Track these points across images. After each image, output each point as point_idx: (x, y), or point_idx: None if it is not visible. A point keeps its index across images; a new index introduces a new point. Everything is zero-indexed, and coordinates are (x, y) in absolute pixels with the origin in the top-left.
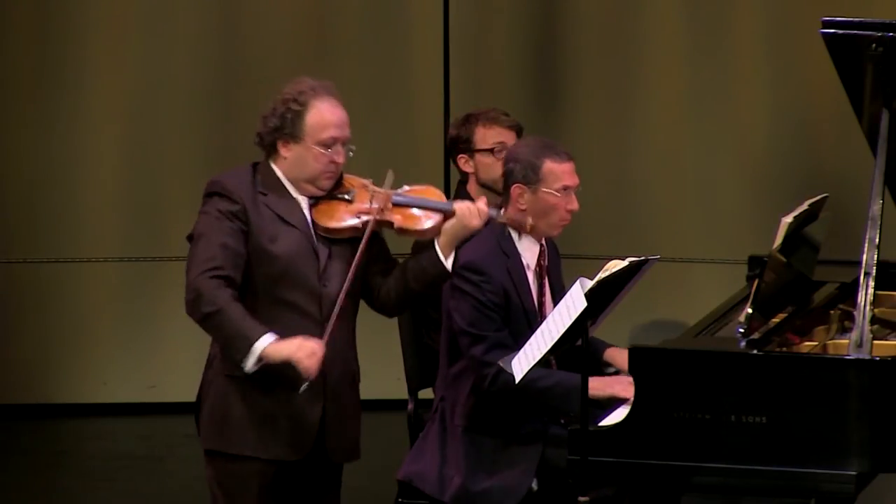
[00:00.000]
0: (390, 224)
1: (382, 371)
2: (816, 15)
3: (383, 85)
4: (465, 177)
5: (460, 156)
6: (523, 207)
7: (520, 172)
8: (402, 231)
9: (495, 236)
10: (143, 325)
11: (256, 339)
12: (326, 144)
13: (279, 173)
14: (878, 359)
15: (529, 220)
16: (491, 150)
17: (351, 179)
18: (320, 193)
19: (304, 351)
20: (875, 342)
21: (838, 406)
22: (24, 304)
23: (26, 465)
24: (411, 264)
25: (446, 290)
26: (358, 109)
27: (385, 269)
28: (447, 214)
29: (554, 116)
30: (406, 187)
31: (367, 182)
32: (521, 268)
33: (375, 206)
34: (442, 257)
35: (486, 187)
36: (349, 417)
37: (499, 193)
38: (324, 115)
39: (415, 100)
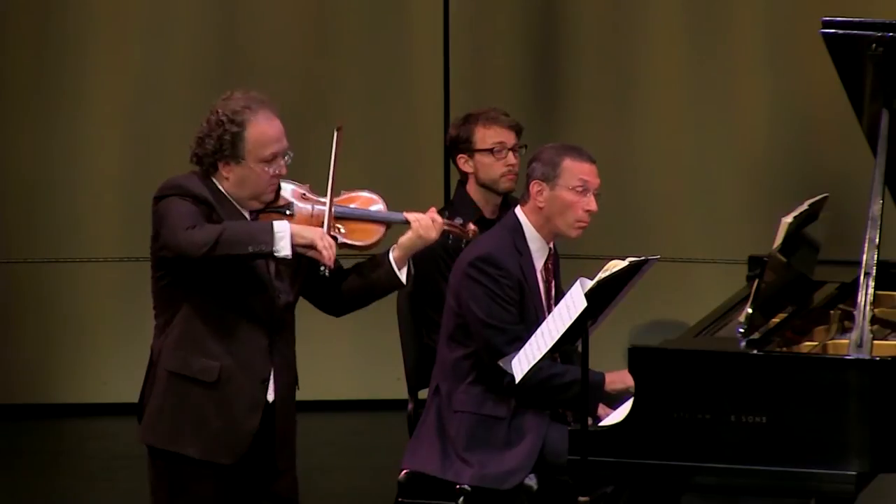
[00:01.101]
0: (334, 239)
1: (382, 371)
2: (816, 15)
3: (383, 85)
4: (464, 177)
5: (460, 156)
6: (541, 205)
7: (539, 170)
8: (347, 247)
9: (510, 233)
10: (143, 325)
11: (272, 224)
12: (269, 161)
13: (222, 189)
14: (878, 359)
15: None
16: (490, 150)
17: (288, 189)
18: (261, 206)
19: (326, 241)
20: (875, 342)
21: (838, 406)
22: (24, 304)
23: (26, 465)
24: (363, 274)
25: (454, 278)
26: (358, 110)
27: (334, 274)
28: (391, 226)
29: (554, 117)
30: (345, 193)
31: (304, 190)
32: (531, 267)
33: (317, 217)
34: (396, 269)
35: (485, 187)
36: (292, 423)
37: (498, 193)
38: (264, 132)
39: (415, 100)
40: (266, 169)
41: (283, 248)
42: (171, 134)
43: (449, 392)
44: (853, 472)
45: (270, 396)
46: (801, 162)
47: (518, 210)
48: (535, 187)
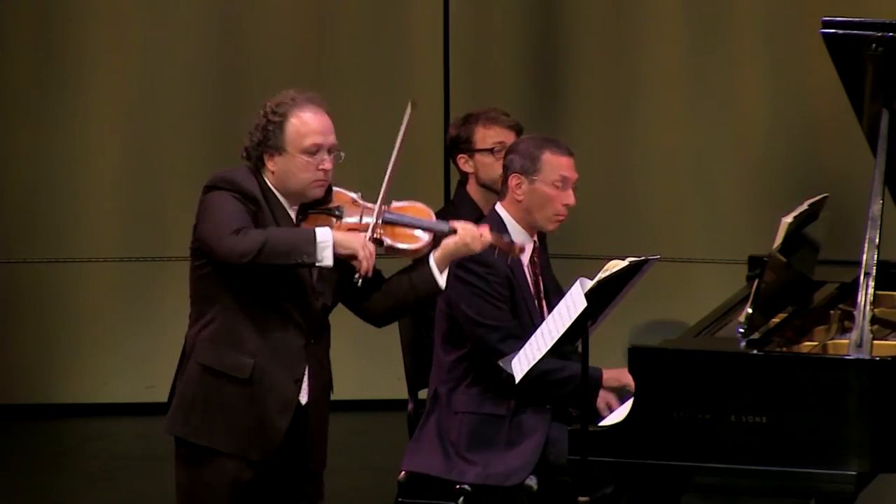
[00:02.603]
0: (380, 243)
1: (382, 371)
2: (816, 15)
3: (383, 85)
4: (464, 177)
5: (460, 156)
6: (520, 198)
7: (518, 163)
8: (392, 250)
9: (495, 230)
10: (142, 325)
11: (315, 234)
12: (310, 152)
13: (269, 184)
14: (878, 359)
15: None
16: (491, 150)
17: (340, 194)
18: (306, 201)
19: (367, 251)
20: (875, 342)
21: (838, 406)
22: (23, 305)
23: (26, 465)
24: (403, 281)
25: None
26: (357, 110)
27: (373, 281)
28: (439, 235)
29: (554, 117)
30: (396, 203)
31: (356, 196)
32: (519, 264)
33: (365, 225)
34: (437, 274)
35: (485, 187)
36: (324, 426)
37: (497, 193)
38: (304, 123)
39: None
40: (308, 160)
41: (326, 259)
42: (171, 134)
43: (448, 394)
44: (853, 472)
45: (304, 398)
46: (801, 162)
47: (498, 205)
48: (513, 180)
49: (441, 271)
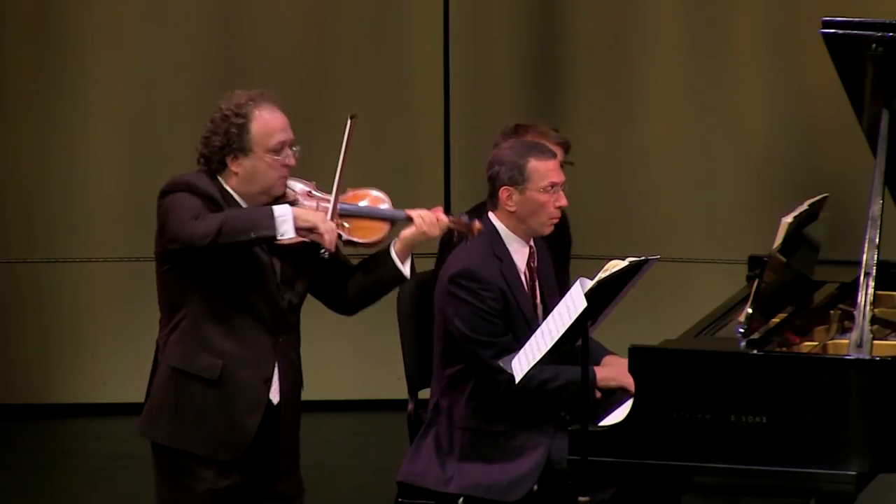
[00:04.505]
0: (339, 236)
1: (382, 371)
2: (816, 15)
3: (383, 86)
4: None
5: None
6: (512, 209)
7: (506, 174)
8: (350, 244)
9: (488, 240)
10: (142, 325)
11: (272, 209)
12: (276, 150)
13: (228, 188)
14: (878, 359)
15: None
16: None
17: (294, 185)
18: (269, 201)
19: (328, 225)
20: (875, 342)
21: (838, 406)
22: (23, 304)
23: (26, 465)
24: (368, 270)
25: (439, 295)
26: (357, 110)
27: (339, 270)
28: (396, 223)
29: (554, 117)
30: (350, 191)
31: (310, 187)
32: (514, 270)
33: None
34: (399, 264)
35: None
36: (296, 424)
37: None
38: (268, 121)
39: (415, 100)
40: (275, 158)
41: (287, 232)
42: (171, 134)
43: (449, 407)
44: (853, 472)
45: (275, 397)
46: (801, 162)
47: (491, 215)
48: (504, 193)
49: (403, 261)
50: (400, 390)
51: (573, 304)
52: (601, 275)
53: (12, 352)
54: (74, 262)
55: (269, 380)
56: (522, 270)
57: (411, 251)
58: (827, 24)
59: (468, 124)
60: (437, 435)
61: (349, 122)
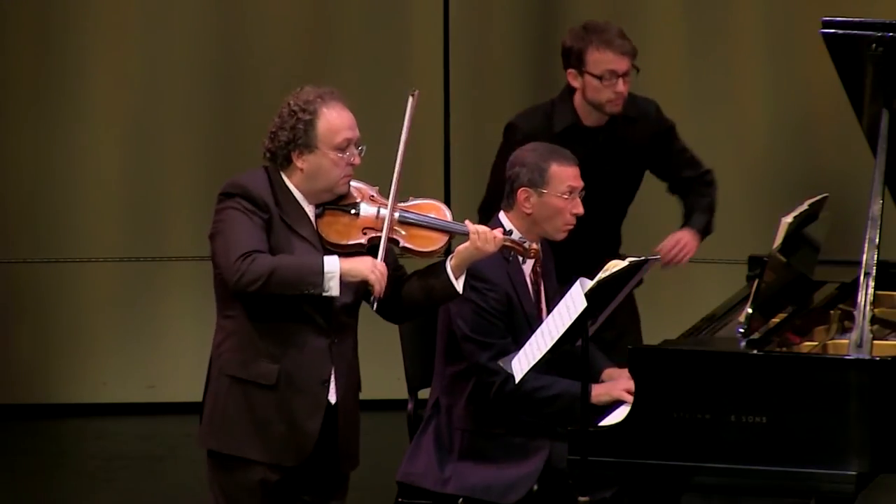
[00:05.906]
0: (396, 242)
1: (382, 371)
2: (816, 15)
3: (383, 85)
4: (572, 88)
5: (570, 70)
6: (529, 211)
7: (526, 176)
8: (407, 251)
9: None
10: (142, 325)
11: (323, 264)
12: (342, 148)
13: (290, 185)
14: (878, 359)
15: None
16: (600, 78)
17: (357, 188)
18: (331, 198)
19: (378, 273)
20: (875, 342)
21: (838, 406)
22: (23, 305)
23: (26, 465)
24: (421, 282)
25: None
26: (358, 110)
27: (393, 277)
28: (453, 235)
29: None
30: (412, 200)
31: (373, 192)
32: (520, 272)
33: (381, 221)
34: (453, 279)
35: (591, 105)
36: (356, 426)
37: (604, 114)
38: (335, 119)
39: None
40: (339, 156)
41: (332, 289)
42: (172, 134)
43: (449, 407)
44: (853, 472)
45: (333, 398)
46: (801, 162)
47: (502, 215)
48: (522, 194)
49: (458, 277)
50: (400, 390)
51: (573, 304)
52: (601, 275)
53: (12, 352)
54: (74, 262)
55: (327, 382)
56: (528, 274)
57: (466, 267)
58: (827, 24)
59: (468, 124)
60: (438, 432)
61: (410, 99)
